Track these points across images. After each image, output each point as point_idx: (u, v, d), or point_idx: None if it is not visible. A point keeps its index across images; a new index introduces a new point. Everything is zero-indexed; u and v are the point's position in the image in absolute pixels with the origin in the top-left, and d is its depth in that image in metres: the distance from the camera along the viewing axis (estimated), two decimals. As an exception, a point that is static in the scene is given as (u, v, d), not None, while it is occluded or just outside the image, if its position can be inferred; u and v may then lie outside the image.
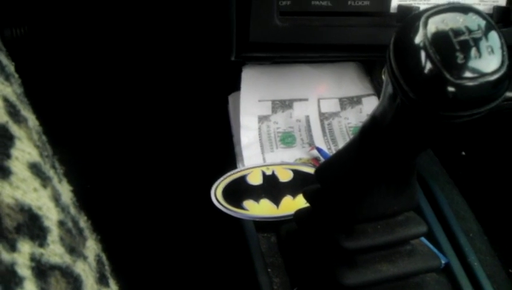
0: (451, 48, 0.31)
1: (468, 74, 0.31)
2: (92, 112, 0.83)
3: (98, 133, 0.82)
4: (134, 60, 0.78)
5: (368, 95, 0.71)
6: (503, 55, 0.32)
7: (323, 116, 0.69)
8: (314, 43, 0.57)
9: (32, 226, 0.26)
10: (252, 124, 0.67)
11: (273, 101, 0.68)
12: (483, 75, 0.32)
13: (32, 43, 0.70)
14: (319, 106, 0.69)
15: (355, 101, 0.70)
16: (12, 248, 0.24)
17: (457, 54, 0.31)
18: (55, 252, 0.26)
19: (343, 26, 0.56)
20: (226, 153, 0.67)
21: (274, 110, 0.68)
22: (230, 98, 0.70)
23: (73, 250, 0.28)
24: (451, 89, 0.31)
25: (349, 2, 0.56)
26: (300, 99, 0.69)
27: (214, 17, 0.59)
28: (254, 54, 0.58)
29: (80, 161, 0.75)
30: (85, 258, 0.29)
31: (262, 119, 0.68)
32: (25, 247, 0.25)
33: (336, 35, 0.56)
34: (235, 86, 0.68)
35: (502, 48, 0.33)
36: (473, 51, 0.31)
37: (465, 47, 0.31)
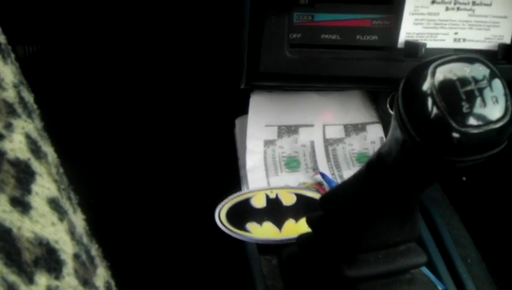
0: (457, 98, 0.32)
1: (472, 122, 0.32)
2: (98, 127, 0.83)
3: (103, 149, 0.83)
4: (144, 81, 0.78)
5: (373, 122, 0.71)
6: (506, 104, 0.33)
7: (327, 142, 0.70)
8: (323, 74, 0.58)
9: (49, 259, 0.26)
10: (258, 148, 0.67)
11: (279, 126, 0.69)
12: (488, 123, 0.33)
13: (45, 60, 0.71)
14: (324, 132, 0.70)
15: (359, 128, 0.71)
16: (31, 281, 0.25)
17: (463, 103, 0.32)
18: (69, 284, 0.27)
19: (352, 59, 0.57)
20: (231, 176, 0.68)
21: (280, 135, 0.69)
22: (237, 121, 0.70)
23: (87, 282, 0.29)
24: (456, 135, 0.32)
25: (357, 36, 0.57)
26: (306, 125, 0.70)
27: (226, 46, 0.60)
28: (263, 82, 0.59)
29: (85, 176, 0.76)
30: (97, 288, 0.30)
31: (268, 143, 0.68)
32: (42, 280, 0.26)
33: (344, 68, 0.57)
34: (242, 110, 0.69)
35: (505, 96, 0.33)
36: (478, 101, 0.32)
37: (471, 97, 0.32)
